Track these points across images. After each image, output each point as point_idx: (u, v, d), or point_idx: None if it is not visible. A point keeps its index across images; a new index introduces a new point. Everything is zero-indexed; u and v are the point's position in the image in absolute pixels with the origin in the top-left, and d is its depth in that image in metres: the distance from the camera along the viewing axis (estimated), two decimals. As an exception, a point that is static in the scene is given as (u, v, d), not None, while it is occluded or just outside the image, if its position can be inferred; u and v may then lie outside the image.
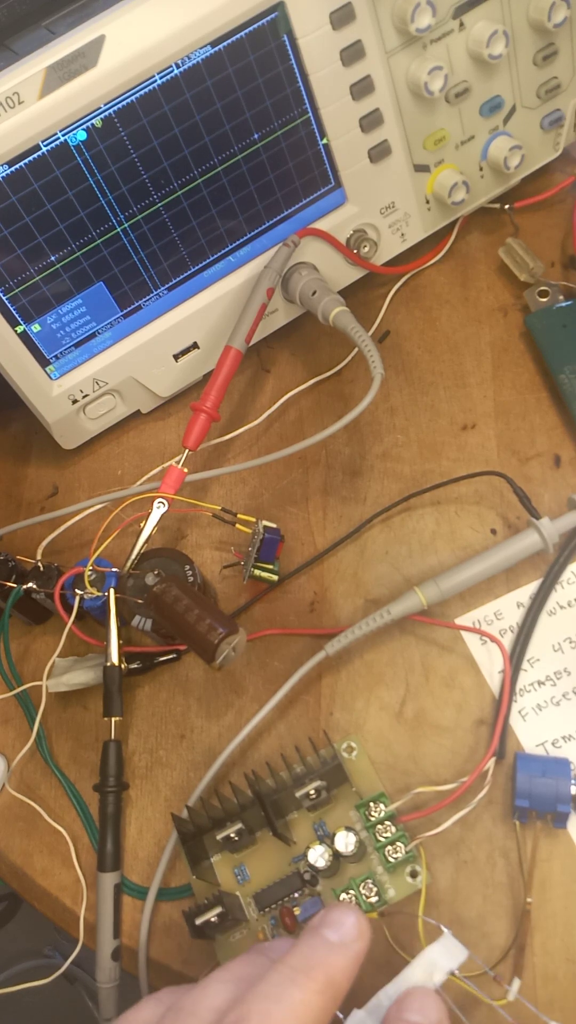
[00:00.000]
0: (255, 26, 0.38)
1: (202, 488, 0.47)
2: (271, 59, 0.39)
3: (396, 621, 0.39)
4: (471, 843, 0.36)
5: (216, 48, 0.38)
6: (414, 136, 0.44)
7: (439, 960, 0.28)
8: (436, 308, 0.49)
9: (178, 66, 0.38)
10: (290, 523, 0.45)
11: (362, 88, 0.41)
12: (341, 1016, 0.27)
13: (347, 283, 0.48)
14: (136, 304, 0.44)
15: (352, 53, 0.40)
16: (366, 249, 0.47)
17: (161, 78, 0.38)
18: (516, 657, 0.38)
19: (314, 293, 0.44)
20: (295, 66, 0.40)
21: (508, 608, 0.40)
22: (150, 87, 0.38)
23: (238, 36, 0.38)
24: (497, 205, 0.50)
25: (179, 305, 0.45)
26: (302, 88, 0.41)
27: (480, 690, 0.39)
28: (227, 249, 0.45)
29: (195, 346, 0.46)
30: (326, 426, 0.47)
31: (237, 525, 0.42)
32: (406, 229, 0.48)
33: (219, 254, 0.45)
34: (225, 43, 0.38)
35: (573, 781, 0.34)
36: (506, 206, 0.50)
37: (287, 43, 0.39)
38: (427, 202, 0.47)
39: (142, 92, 0.38)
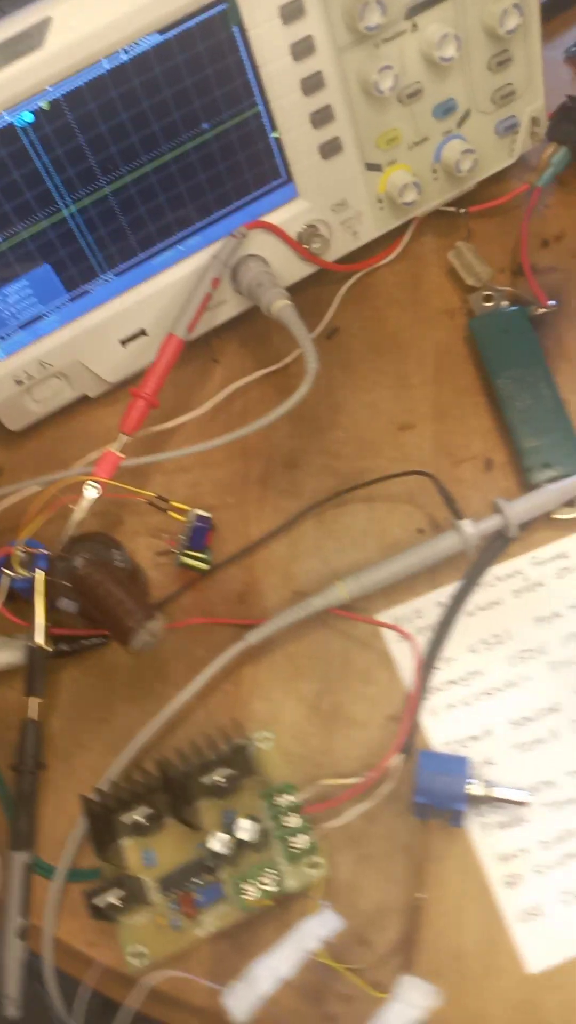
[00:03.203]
0: (204, 16, 0.38)
1: (144, 476, 0.47)
2: (221, 50, 0.39)
3: (318, 614, 0.40)
4: (373, 837, 0.36)
5: (165, 36, 0.38)
6: (366, 134, 0.44)
7: (314, 929, 0.29)
8: (385, 308, 0.49)
9: (126, 52, 0.38)
10: (227, 514, 0.45)
11: (313, 83, 0.41)
12: (221, 988, 0.28)
13: (298, 278, 0.48)
14: (83, 288, 0.45)
15: (302, 48, 0.40)
16: (316, 245, 0.47)
17: (109, 63, 0.38)
18: (431, 656, 0.39)
19: (260, 286, 0.44)
20: (245, 58, 0.40)
21: (428, 607, 0.40)
22: (98, 72, 0.38)
23: (187, 25, 0.38)
24: (453, 208, 0.50)
25: (127, 291, 0.45)
26: (252, 81, 0.41)
27: (395, 686, 0.39)
28: (176, 238, 0.45)
29: (143, 333, 0.47)
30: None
31: (170, 513, 0.42)
32: (358, 227, 0.48)
33: (168, 242, 0.45)
34: (174, 31, 0.38)
35: (469, 781, 0.35)
36: (462, 210, 0.50)
37: (237, 35, 0.39)
38: (379, 201, 0.47)
39: (90, 76, 0.38)
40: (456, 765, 0.35)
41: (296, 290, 0.49)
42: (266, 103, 0.42)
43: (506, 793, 0.35)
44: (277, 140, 0.43)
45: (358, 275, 0.50)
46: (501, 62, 0.44)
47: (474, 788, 0.34)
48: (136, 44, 0.38)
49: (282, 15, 0.39)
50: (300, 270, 0.48)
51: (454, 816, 0.35)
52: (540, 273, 0.49)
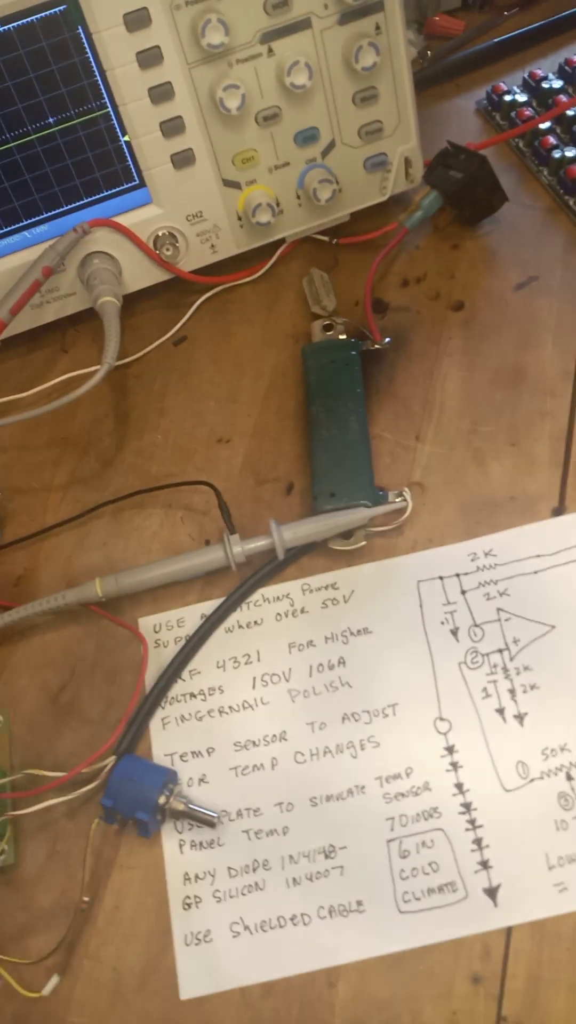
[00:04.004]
0: (46, 13, 0.39)
1: (-33, 452, 0.48)
2: (65, 48, 0.40)
3: (73, 607, 0.40)
4: (70, 835, 0.36)
5: (5, 27, 0.39)
6: (222, 151, 0.45)
7: None
8: (237, 324, 0.50)
9: (-34, 37, 0.39)
10: (28, 499, 0.45)
11: (161, 93, 0.42)
12: None
13: (152, 282, 0.49)
14: None
15: (148, 57, 0.41)
16: (168, 252, 0.47)
17: (-50, 45, 0.39)
18: (177, 666, 0.38)
19: (94, 279, 0.45)
20: (92, 59, 0.41)
21: (191, 617, 0.40)
22: None
23: (29, 20, 0.39)
24: (326, 238, 0.51)
25: (-29, 270, 0.46)
26: (100, 82, 0.42)
27: (135, 691, 0.39)
28: (22, 224, 0.45)
29: (-15, 313, 0.47)
30: (98, 413, 0.48)
31: (-39, 488, 0.43)
32: (216, 241, 0.48)
33: (13, 227, 0.45)
34: (14, 24, 0.39)
35: (166, 792, 0.34)
36: (333, 240, 0.51)
37: (82, 35, 0.40)
38: (239, 219, 0.48)
39: None
40: (155, 775, 0.34)
41: (153, 294, 0.50)
42: (115, 106, 0.43)
43: (195, 811, 0.34)
44: (128, 144, 0.44)
45: (217, 289, 0.51)
46: (366, 98, 0.45)
47: (162, 799, 0.34)
48: (-24, 30, 0.39)
49: (126, 22, 0.40)
50: (154, 275, 0.49)
51: (140, 825, 0.34)
52: (393, 311, 0.49)
